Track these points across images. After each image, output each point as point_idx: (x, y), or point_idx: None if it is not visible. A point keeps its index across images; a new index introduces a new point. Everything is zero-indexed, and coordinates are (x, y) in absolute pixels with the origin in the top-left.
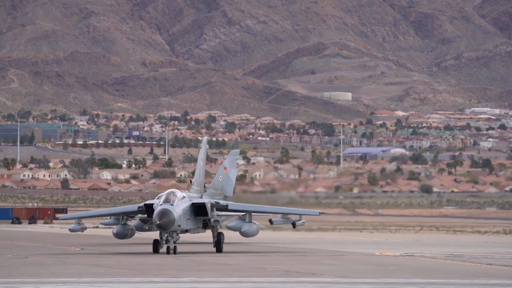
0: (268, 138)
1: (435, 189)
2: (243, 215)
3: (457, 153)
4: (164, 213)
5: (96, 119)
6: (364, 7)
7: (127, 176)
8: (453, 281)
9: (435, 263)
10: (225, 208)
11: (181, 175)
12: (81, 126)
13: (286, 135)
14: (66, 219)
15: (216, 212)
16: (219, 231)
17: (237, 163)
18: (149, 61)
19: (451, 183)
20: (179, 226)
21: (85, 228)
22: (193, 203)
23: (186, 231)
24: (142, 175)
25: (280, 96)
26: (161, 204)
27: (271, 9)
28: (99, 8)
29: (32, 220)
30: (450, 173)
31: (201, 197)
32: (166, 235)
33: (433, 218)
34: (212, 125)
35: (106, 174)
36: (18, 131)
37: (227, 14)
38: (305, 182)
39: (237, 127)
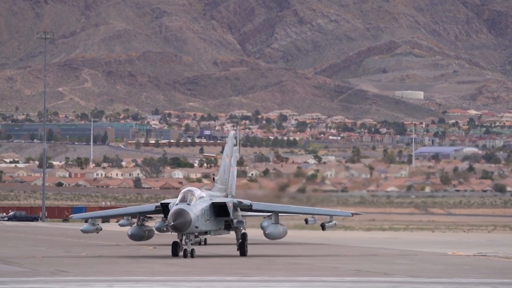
0: (339, 137)
1: (508, 189)
2: (269, 215)
3: None
4: (180, 213)
5: (168, 118)
6: (436, 6)
7: (199, 175)
8: None
9: (509, 263)
10: (248, 208)
11: (252, 174)
12: (153, 126)
13: (358, 134)
14: (80, 218)
15: (240, 213)
16: (242, 232)
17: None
18: (220, 61)
19: None
20: (196, 227)
21: (100, 229)
22: (213, 203)
23: (206, 232)
24: (213, 174)
25: (352, 95)
26: (177, 204)
27: (343, 8)
28: (171, 8)
29: (105, 219)
30: None
31: (225, 196)
32: (184, 237)
33: (506, 218)
34: (283, 124)
35: (178, 173)
36: (91, 130)
37: (298, 13)
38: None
39: (308, 126)
